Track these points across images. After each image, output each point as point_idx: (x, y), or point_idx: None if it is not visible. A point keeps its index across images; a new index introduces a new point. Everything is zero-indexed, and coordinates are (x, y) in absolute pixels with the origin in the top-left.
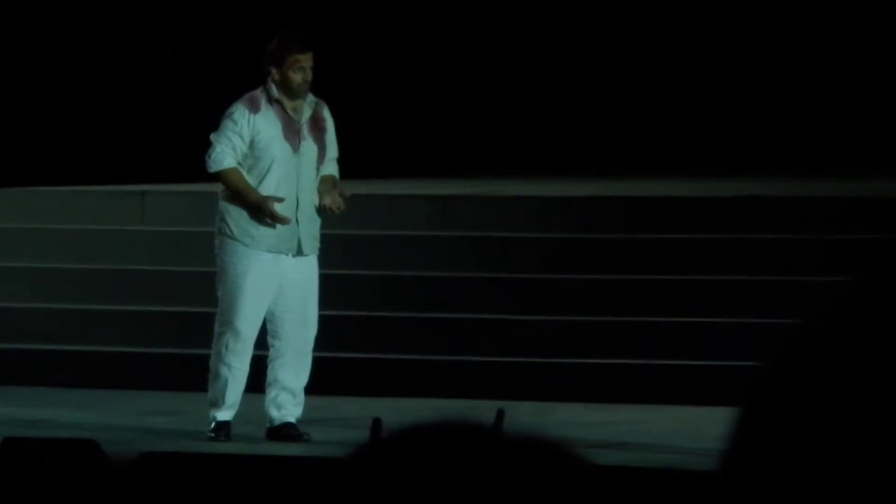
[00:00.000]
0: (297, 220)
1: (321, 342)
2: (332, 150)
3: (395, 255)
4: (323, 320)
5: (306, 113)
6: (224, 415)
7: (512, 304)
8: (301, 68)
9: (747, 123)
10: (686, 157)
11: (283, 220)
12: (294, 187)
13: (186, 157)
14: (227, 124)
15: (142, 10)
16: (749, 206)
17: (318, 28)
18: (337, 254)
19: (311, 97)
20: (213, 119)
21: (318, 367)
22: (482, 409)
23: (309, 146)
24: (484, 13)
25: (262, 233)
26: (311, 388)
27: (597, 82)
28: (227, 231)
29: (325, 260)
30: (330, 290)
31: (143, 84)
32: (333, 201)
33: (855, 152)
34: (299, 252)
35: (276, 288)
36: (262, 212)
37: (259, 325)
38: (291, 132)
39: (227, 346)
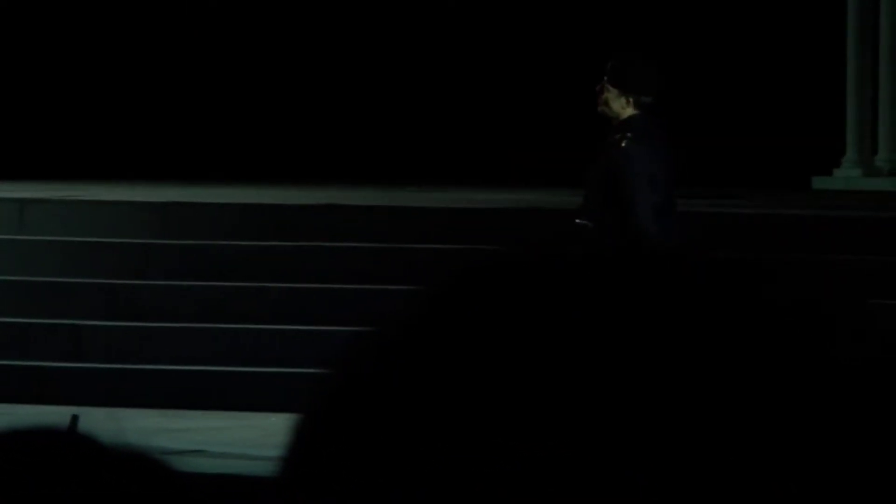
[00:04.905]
0: None
1: None
2: None
3: None
4: None
5: None
6: None
7: (89, 310)
8: None
9: (327, 132)
10: (267, 164)
11: None
12: None
13: None
14: None
15: None
16: (328, 215)
17: None
18: None
19: None
20: None
21: None
22: (55, 416)
23: None
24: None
25: None
26: None
27: (181, 87)
28: None
29: None
30: None
31: None
32: None
33: (434, 164)
34: None
35: None
36: None
37: None
38: None
39: None
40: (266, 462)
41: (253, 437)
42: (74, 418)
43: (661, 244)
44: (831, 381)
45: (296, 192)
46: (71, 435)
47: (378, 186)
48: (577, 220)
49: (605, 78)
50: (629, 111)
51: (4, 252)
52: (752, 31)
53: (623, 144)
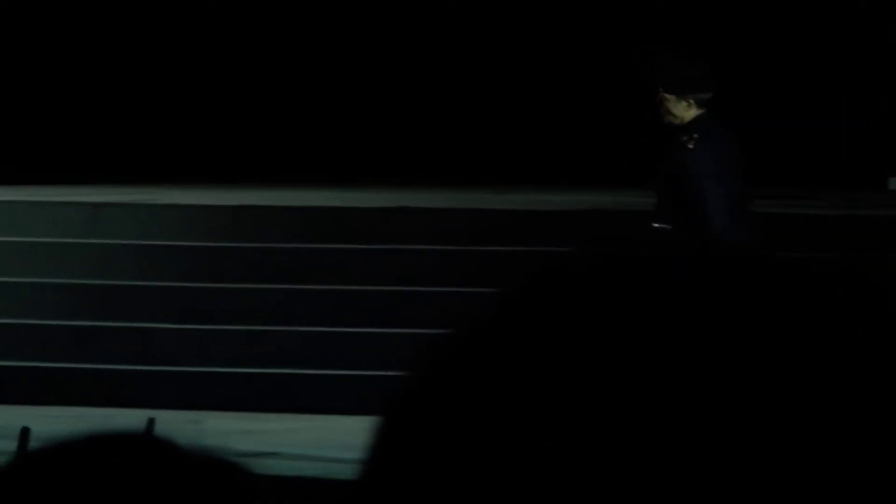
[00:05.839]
0: None
1: None
2: None
3: (44, 261)
4: None
5: None
6: None
7: (161, 313)
8: None
9: (397, 134)
10: (338, 166)
11: None
12: None
13: None
14: None
15: None
16: (400, 217)
17: None
18: None
19: None
20: None
21: None
22: (132, 419)
23: None
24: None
25: None
26: None
27: (243, 91)
28: None
29: None
30: None
31: None
32: None
33: (506, 166)
34: None
35: None
36: None
37: None
38: None
39: None
40: (340, 464)
41: (325, 439)
42: (151, 421)
43: (736, 244)
44: None
45: (365, 195)
46: (148, 438)
47: (447, 188)
48: (655, 224)
49: (660, 88)
50: (693, 112)
51: (77, 255)
52: (824, 34)
53: (690, 146)
